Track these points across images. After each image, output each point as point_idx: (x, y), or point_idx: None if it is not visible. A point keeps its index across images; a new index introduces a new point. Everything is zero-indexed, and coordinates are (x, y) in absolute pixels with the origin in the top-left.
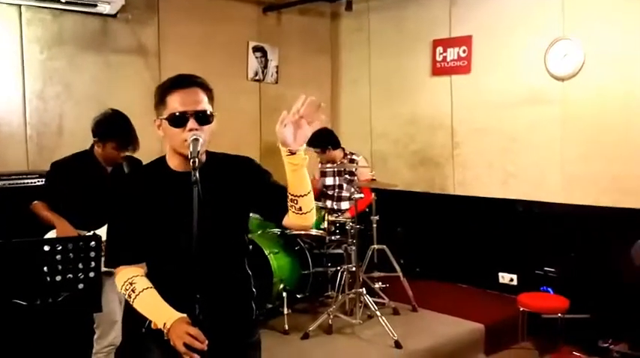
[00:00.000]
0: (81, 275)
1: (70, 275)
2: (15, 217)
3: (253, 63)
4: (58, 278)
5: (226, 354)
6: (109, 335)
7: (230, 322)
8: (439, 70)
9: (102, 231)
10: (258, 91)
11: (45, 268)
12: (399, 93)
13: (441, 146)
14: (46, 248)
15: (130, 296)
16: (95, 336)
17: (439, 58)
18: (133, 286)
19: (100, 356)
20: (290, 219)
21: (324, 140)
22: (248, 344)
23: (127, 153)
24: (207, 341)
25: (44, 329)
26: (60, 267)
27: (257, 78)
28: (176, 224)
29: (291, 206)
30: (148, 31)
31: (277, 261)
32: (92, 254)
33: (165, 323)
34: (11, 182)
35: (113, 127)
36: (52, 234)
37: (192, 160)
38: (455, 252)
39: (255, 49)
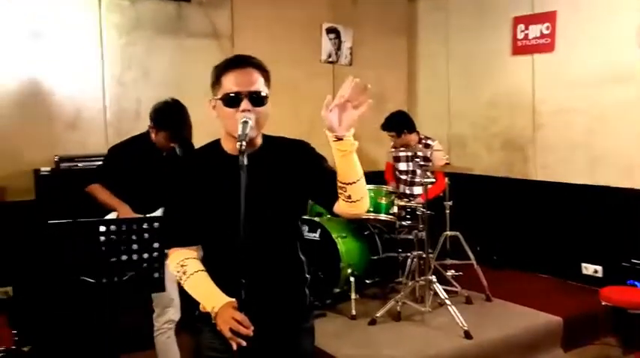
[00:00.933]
0: (145, 256)
1: (135, 256)
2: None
3: (327, 45)
4: (124, 257)
5: (277, 340)
6: (166, 313)
7: (280, 308)
8: (520, 48)
9: (158, 214)
10: (332, 73)
11: (111, 248)
12: (478, 73)
13: (522, 128)
14: (113, 228)
15: (181, 278)
16: (154, 314)
17: (520, 36)
18: (184, 268)
19: (161, 332)
20: (340, 207)
21: (399, 124)
22: (300, 330)
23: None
24: (252, 327)
25: (109, 306)
26: (125, 247)
27: (330, 60)
28: (227, 207)
29: (341, 193)
30: (221, 15)
31: (345, 246)
32: (155, 235)
33: (213, 307)
34: (92, 164)
35: (169, 119)
36: (112, 216)
37: (239, 143)
38: (535, 241)
39: (329, 31)
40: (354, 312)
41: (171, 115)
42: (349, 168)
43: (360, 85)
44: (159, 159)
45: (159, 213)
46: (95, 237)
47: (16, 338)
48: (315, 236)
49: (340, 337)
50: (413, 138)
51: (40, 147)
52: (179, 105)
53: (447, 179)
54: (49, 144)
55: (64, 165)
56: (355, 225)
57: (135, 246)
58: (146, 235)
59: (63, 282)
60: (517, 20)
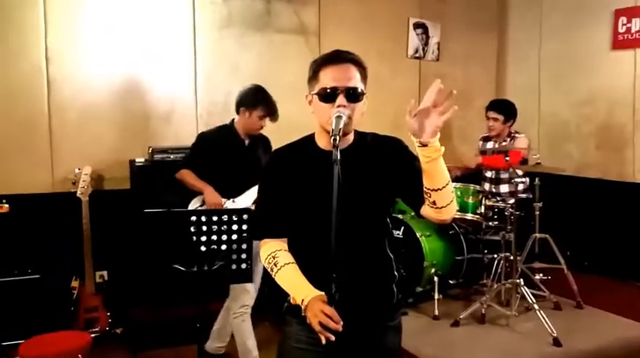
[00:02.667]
0: (234, 246)
1: (224, 246)
2: (184, 187)
3: (414, 40)
4: (214, 247)
5: (364, 336)
6: (240, 299)
7: (368, 304)
8: (621, 42)
9: (240, 200)
10: (418, 69)
11: (202, 237)
12: (572, 69)
13: (621, 128)
14: (204, 218)
15: (272, 269)
16: (228, 299)
17: (622, 30)
18: (275, 260)
19: (237, 315)
20: (426, 211)
21: (510, 108)
22: (387, 327)
23: (269, 121)
24: (342, 322)
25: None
26: (215, 238)
27: (417, 55)
28: (318, 202)
29: (426, 199)
30: (308, 11)
31: (429, 245)
32: (245, 226)
33: (303, 300)
34: (182, 156)
35: (260, 96)
36: (197, 201)
37: (332, 138)
38: (630, 247)
39: (416, 26)
40: (436, 312)
41: (261, 93)
42: (435, 175)
43: (446, 90)
44: (240, 148)
45: (242, 198)
46: (186, 227)
47: (110, 320)
48: (399, 233)
49: (422, 337)
50: (506, 129)
51: (136, 139)
52: (263, 88)
53: (537, 179)
54: (145, 136)
55: (157, 156)
56: (439, 224)
57: (224, 237)
58: (235, 226)
59: (154, 269)
60: (618, 13)
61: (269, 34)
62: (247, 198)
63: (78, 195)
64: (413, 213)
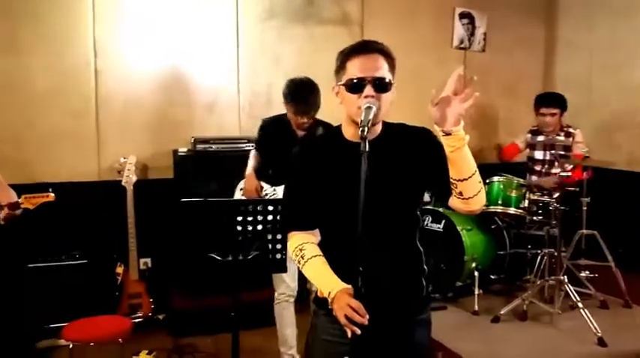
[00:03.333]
0: (269, 236)
1: (260, 236)
2: (225, 176)
3: (459, 30)
4: (249, 237)
5: (391, 330)
6: (279, 287)
7: (396, 298)
8: None
9: (280, 189)
10: (463, 60)
11: (238, 227)
12: (627, 58)
13: None
14: (241, 208)
15: (299, 261)
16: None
17: None
18: (302, 252)
19: (277, 302)
20: (454, 202)
21: (563, 100)
22: (416, 321)
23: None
24: (367, 316)
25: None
26: (251, 227)
27: (462, 46)
28: (345, 194)
29: (453, 189)
30: (351, 2)
31: (470, 238)
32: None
33: (329, 293)
34: (225, 146)
35: (293, 93)
36: (240, 185)
37: (361, 129)
38: None
39: (462, 16)
40: (476, 308)
41: (296, 90)
42: (460, 164)
43: (466, 76)
44: (291, 139)
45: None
46: (223, 216)
47: (153, 307)
48: (439, 227)
49: (461, 332)
50: (560, 123)
51: (179, 130)
52: (307, 83)
53: (585, 174)
54: (188, 127)
55: (199, 146)
56: (482, 218)
57: (260, 227)
58: (271, 216)
59: (193, 257)
60: None
61: (311, 25)
62: None
63: (123, 183)
64: None
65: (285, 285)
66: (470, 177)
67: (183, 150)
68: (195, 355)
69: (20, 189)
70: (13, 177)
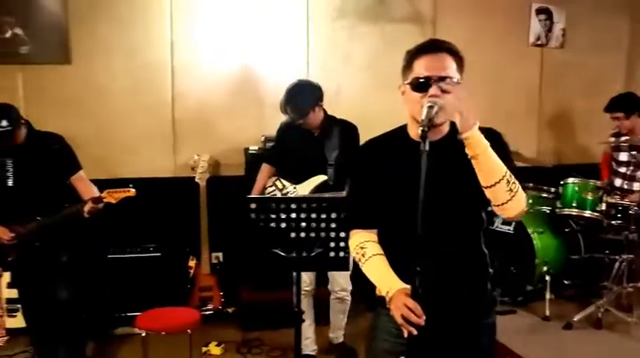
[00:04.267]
0: (332, 235)
1: (323, 233)
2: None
3: (536, 26)
4: (312, 234)
5: (452, 333)
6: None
7: (457, 300)
8: None
9: (300, 187)
10: (540, 57)
11: (302, 224)
12: None
13: None
14: (304, 205)
15: (360, 260)
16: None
17: None
18: (363, 251)
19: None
20: (493, 207)
21: (629, 103)
22: (479, 325)
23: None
24: (424, 317)
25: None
26: (315, 225)
27: (539, 42)
28: (407, 194)
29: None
30: None
31: (542, 241)
32: (342, 215)
33: (387, 292)
34: None
35: (281, 107)
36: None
37: (422, 128)
38: None
39: (539, 11)
40: (547, 313)
41: (284, 102)
42: (482, 171)
43: None
44: (308, 137)
45: (303, 185)
46: (287, 213)
47: (223, 300)
48: (509, 229)
49: (530, 337)
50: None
51: (250, 128)
52: (293, 91)
53: None
54: (259, 125)
55: (269, 144)
56: (555, 221)
57: (323, 224)
58: (334, 214)
59: (259, 253)
60: None
61: (382, 24)
62: (307, 187)
63: (196, 180)
64: (526, 208)
65: (335, 283)
66: (494, 185)
67: (254, 148)
68: (262, 348)
69: (101, 184)
70: (96, 173)
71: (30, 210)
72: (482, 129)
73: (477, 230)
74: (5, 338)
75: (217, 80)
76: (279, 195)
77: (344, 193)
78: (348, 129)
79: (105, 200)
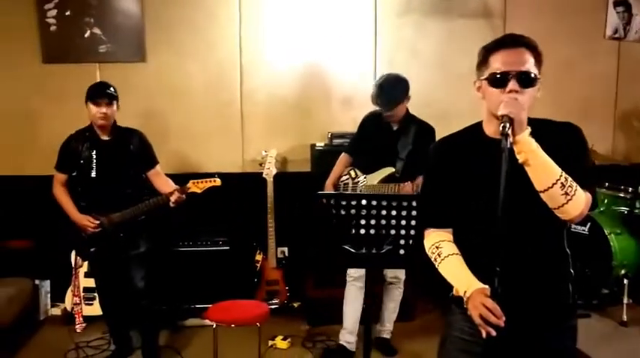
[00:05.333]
0: (402, 232)
1: (393, 231)
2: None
3: (613, 18)
4: (383, 231)
5: (531, 335)
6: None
7: (539, 302)
8: None
9: (370, 177)
10: (617, 51)
11: (372, 221)
12: None
13: None
14: (374, 202)
15: (435, 259)
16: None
17: None
18: (439, 250)
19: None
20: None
21: None
22: (560, 328)
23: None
24: (504, 318)
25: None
26: (384, 222)
27: (617, 36)
28: (485, 192)
29: None
30: None
31: (619, 243)
32: (413, 213)
33: (465, 292)
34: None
35: (373, 96)
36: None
37: (502, 124)
38: None
39: (617, 3)
40: (624, 318)
41: (377, 92)
42: (533, 176)
43: None
44: (386, 131)
45: (373, 175)
46: (357, 210)
47: (289, 294)
48: (584, 229)
49: (606, 343)
50: None
51: (317, 124)
52: (387, 82)
53: None
54: (325, 122)
55: (336, 141)
56: (634, 222)
57: (393, 222)
58: (405, 212)
59: (327, 249)
60: None
61: (449, 19)
62: (376, 177)
63: (264, 175)
64: (603, 208)
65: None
66: (548, 189)
67: (320, 144)
68: (327, 344)
69: (173, 179)
70: (171, 168)
71: (111, 202)
72: (561, 124)
73: (560, 229)
74: (83, 325)
75: (285, 77)
76: (351, 184)
77: (408, 185)
78: (425, 130)
79: (190, 190)
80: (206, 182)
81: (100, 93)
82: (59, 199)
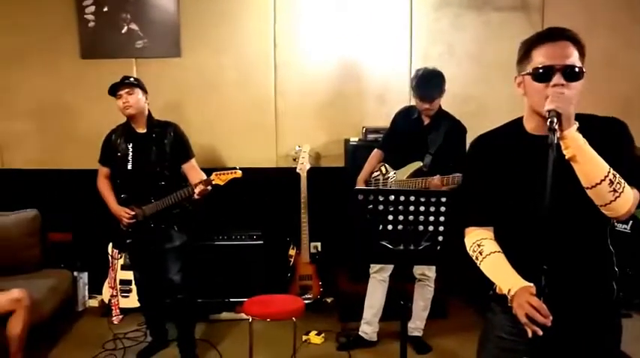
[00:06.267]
0: (440, 229)
1: (431, 228)
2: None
3: None
4: (421, 228)
5: (575, 334)
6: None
7: (583, 301)
8: None
9: (399, 172)
10: None
11: (410, 217)
12: None
13: None
14: (412, 198)
15: (477, 258)
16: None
17: None
18: (480, 248)
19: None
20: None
21: None
22: (604, 327)
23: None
24: (550, 317)
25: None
26: (423, 218)
27: None
28: (528, 189)
29: None
30: None
31: None
32: (442, 209)
33: (509, 290)
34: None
35: (417, 82)
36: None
37: (549, 119)
38: None
39: None
40: None
41: (421, 78)
42: (579, 173)
43: None
44: (417, 126)
45: (403, 170)
46: (395, 206)
47: (322, 289)
48: (626, 228)
49: None
50: None
51: (351, 119)
52: (434, 73)
53: None
54: (360, 117)
55: (370, 136)
56: None
57: (432, 218)
58: (443, 208)
59: (363, 244)
60: None
61: (486, 12)
62: (405, 172)
63: (297, 170)
64: None
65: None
66: (596, 185)
67: (354, 139)
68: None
69: (208, 173)
70: (207, 162)
71: (147, 194)
72: (606, 119)
73: (604, 227)
74: (119, 317)
75: (319, 72)
76: (382, 179)
77: (436, 178)
78: (456, 127)
79: (213, 182)
80: (228, 174)
81: (117, 84)
82: (101, 192)
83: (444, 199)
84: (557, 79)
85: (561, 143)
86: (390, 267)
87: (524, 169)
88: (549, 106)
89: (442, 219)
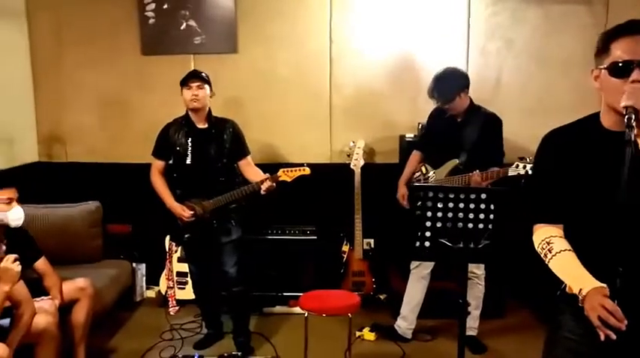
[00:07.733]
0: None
1: (482, 226)
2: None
3: None
4: (481, 226)
5: None
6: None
7: None
8: None
9: (438, 171)
10: None
11: (470, 215)
12: None
13: None
14: (472, 196)
15: (545, 255)
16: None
17: None
18: (550, 246)
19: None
20: None
21: None
22: None
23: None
24: (625, 321)
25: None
26: (483, 216)
27: None
28: (603, 187)
29: None
30: None
31: None
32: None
33: (580, 290)
34: None
35: (429, 92)
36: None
37: (627, 116)
38: None
39: None
40: None
41: (432, 87)
42: None
43: None
44: (451, 124)
45: (441, 169)
46: (454, 203)
47: (374, 286)
48: None
49: None
50: None
51: (406, 115)
52: (442, 76)
53: None
54: (415, 113)
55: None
56: None
57: (492, 216)
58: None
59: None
60: None
61: (546, 5)
62: (443, 171)
63: (351, 166)
64: None
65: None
66: None
67: (409, 135)
68: (416, 335)
69: (266, 169)
70: (259, 157)
71: (204, 189)
72: None
73: None
74: (175, 308)
75: (374, 68)
76: (422, 180)
77: (476, 174)
78: (491, 121)
79: (280, 178)
80: (296, 171)
81: (191, 76)
82: (156, 186)
83: (495, 197)
84: (637, 74)
85: (638, 140)
86: (431, 264)
87: (599, 166)
88: (627, 102)
89: (492, 216)
